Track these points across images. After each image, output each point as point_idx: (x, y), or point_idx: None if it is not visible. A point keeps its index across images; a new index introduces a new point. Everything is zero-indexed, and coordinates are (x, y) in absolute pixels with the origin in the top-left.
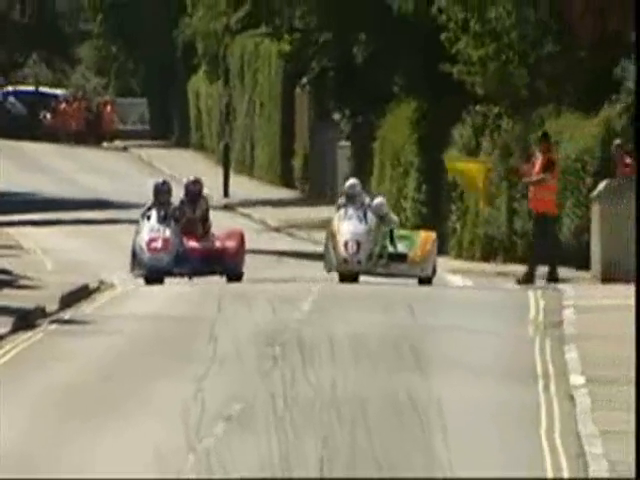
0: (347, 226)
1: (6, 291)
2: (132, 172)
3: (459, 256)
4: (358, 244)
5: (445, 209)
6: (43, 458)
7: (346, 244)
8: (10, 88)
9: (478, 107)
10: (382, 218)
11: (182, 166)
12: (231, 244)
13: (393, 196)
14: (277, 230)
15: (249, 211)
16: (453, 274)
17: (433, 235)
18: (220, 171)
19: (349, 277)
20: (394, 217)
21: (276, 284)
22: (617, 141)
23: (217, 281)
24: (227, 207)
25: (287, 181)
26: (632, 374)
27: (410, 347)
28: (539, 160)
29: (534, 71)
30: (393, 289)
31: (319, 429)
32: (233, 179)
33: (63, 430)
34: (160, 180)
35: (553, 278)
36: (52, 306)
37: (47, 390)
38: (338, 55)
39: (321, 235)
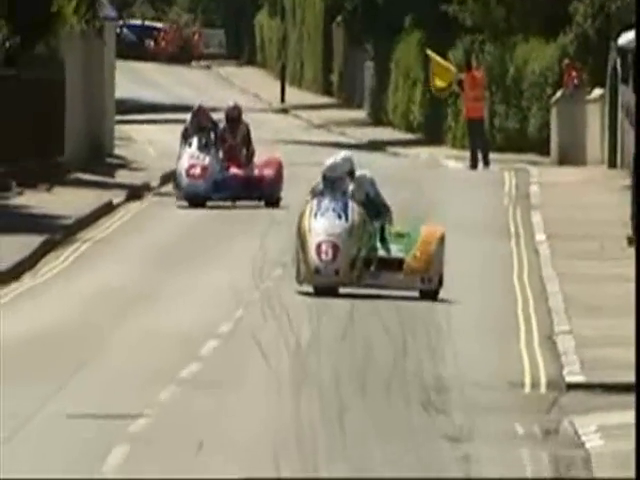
0: (321, 223)
1: (121, 172)
2: (212, 84)
3: (454, 146)
4: (335, 248)
5: (443, 111)
6: (147, 289)
7: (319, 248)
8: (123, 22)
9: (468, 36)
10: (367, 202)
11: (249, 80)
12: (269, 172)
13: (404, 102)
14: (319, 127)
15: (299, 113)
16: (449, 159)
17: (439, 230)
18: (278, 84)
19: (325, 291)
20: (384, 200)
21: (313, 167)
22: (567, 60)
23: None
24: (283, 110)
25: (327, 91)
26: (583, 232)
27: (418, 213)
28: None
29: (509, 8)
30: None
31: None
32: (287, 90)
33: (163, 272)
34: (196, 105)
35: (486, 162)
36: (154, 183)
37: (150, 245)
38: None
39: (351, 130)
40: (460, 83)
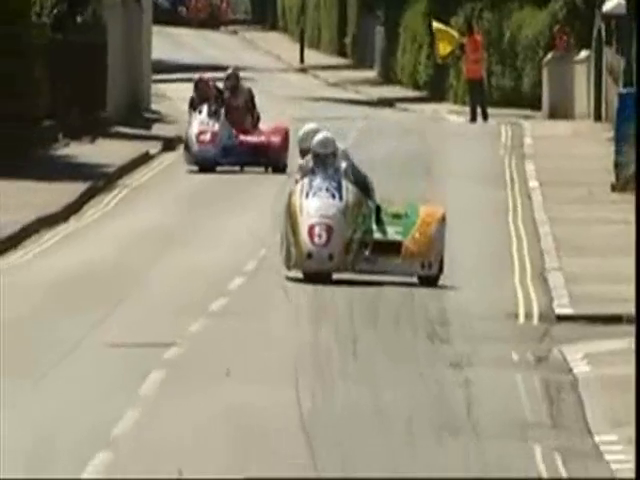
0: (313, 203)
1: (157, 125)
2: (239, 47)
3: (455, 102)
4: (329, 230)
5: (446, 71)
6: (179, 230)
7: (311, 230)
8: None
9: (468, 4)
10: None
11: (272, 43)
12: (276, 139)
13: (411, 63)
14: (335, 85)
15: (316, 72)
16: (451, 114)
17: (440, 211)
18: (297, 47)
19: (317, 277)
20: (364, 173)
21: (331, 121)
22: (557, 26)
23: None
24: (302, 70)
25: (341, 53)
26: (572, 179)
27: (423, 162)
28: (471, 42)
29: None
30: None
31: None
32: (306, 52)
33: (193, 216)
34: (196, 77)
35: (485, 117)
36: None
37: (182, 191)
38: None
39: (363, 88)
40: (462, 47)
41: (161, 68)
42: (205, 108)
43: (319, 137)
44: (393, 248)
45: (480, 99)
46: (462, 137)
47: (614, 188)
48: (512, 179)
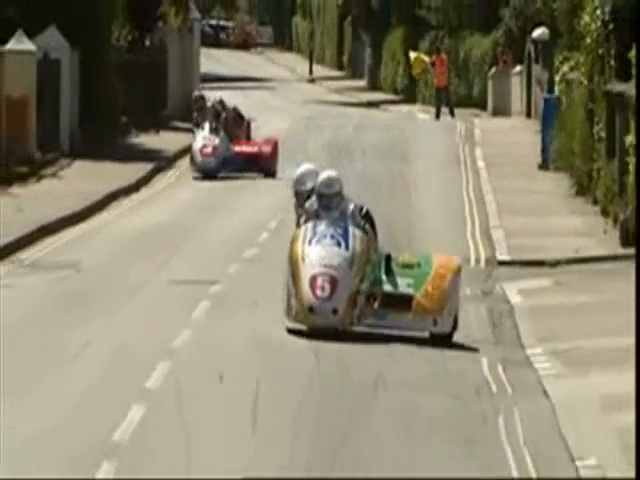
0: (316, 251)
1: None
2: (264, 63)
3: (423, 104)
4: (333, 282)
5: (417, 81)
6: (220, 200)
7: (313, 282)
8: (205, 22)
9: (432, 31)
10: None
11: (288, 60)
12: (267, 149)
13: (391, 75)
14: (335, 91)
15: (322, 82)
16: (420, 113)
17: (454, 262)
18: (307, 63)
19: (321, 331)
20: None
21: (335, 118)
22: (499, 48)
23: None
24: (311, 80)
25: (340, 67)
26: (509, 160)
27: (401, 148)
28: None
29: (460, 13)
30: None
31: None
32: (314, 66)
33: (230, 190)
34: (194, 95)
35: (452, 114)
36: None
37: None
38: (364, 6)
39: (355, 94)
40: (433, 64)
41: (206, 79)
42: (207, 125)
43: (323, 177)
44: (404, 302)
45: (447, 101)
46: (428, 130)
47: (540, 167)
48: (465, 160)
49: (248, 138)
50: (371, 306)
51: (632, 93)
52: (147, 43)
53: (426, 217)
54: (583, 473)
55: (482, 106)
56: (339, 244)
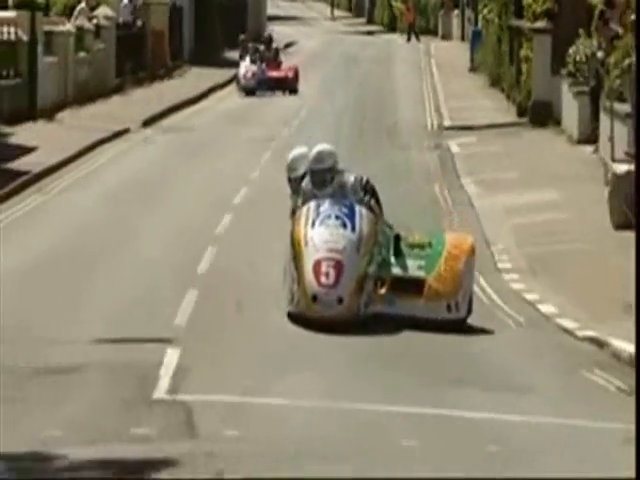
0: (320, 233)
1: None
2: (301, 8)
3: (401, 32)
4: (338, 267)
5: (396, 19)
6: (254, 108)
7: (317, 268)
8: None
9: None
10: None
11: (317, 7)
12: (291, 74)
13: (381, 14)
14: (347, 25)
15: (338, 20)
16: (398, 38)
17: (468, 241)
18: (329, 7)
19: (324, 322)
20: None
21: (346, 40)
22: None
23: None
24: (332, 19)
25: (349, 9)
26: (452, 66)
27: (385, 57)
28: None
29: None
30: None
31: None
32: (334, 10)
33: (258, 101)
34: (240, 37)
35: (418, 39)
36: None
37: (231, 105)
38: None
39: (360, 27)
40: (408, 9)
41: (270, 17)
42: (248, 57)
43: (313, 153)
44: (414, 286)
45: (414, 31)
46: (402, 48)
47: (469, 70)
48: (425, 66)
49: (278, 66)
50: (379, 291)
51: (524, 26)
52: None
53: (400, 98)
54: (495, 252)
55: (435, 34)
56: (345, 225)
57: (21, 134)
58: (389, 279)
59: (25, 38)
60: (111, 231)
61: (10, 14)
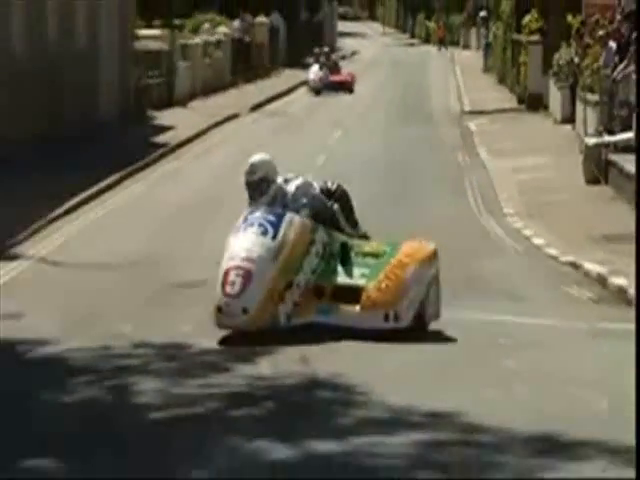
0: (239, 242)
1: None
2: (360, 26)
3: (433, 44)
4: (246, 277)
5: (430, 35)
6: (321, 104)
7: (225, 276)
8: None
9: (437, 14)
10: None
11: (372, 25)
12: (349, 78)
13: (421, 31)
14: (396, 40)
15: (388, 35)
16: (431, 48)
17: (424, 250)
18: (381, 26)
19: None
20: (334, 206)
21: (394, 50)
22: (465, 21)
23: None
24: (384, 34)
25: (397, 27)
26: (470, 67)
27: (422, 61)
28: (439, 26)
29: (448, 3)
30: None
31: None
32: (385, 27)
33: (324, 97)
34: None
35: (446, 48)
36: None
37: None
38: None
39: (404, 40)
40: (438, 27)
41: (340, 34)
42: (317, 64)
43: (247, 164)
44: (352, 295)
45: (443, 43)
46: (434, 56)
47: (483, 71)
48: (451, 69)
49: (338, 72)
50: (314, 301)
51: (522, 39)
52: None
53: (432, 91)
54: (501, 200)
55: (458, 45)
56: (265, 233)
57: (163, 117)
58: (330, 287)
59: (166, 48)
60: (233, 183)
61: (156, 32)
